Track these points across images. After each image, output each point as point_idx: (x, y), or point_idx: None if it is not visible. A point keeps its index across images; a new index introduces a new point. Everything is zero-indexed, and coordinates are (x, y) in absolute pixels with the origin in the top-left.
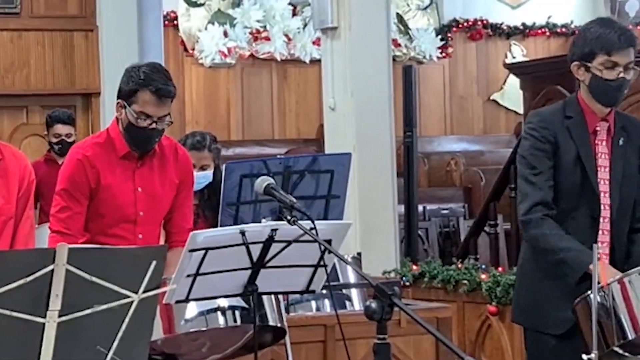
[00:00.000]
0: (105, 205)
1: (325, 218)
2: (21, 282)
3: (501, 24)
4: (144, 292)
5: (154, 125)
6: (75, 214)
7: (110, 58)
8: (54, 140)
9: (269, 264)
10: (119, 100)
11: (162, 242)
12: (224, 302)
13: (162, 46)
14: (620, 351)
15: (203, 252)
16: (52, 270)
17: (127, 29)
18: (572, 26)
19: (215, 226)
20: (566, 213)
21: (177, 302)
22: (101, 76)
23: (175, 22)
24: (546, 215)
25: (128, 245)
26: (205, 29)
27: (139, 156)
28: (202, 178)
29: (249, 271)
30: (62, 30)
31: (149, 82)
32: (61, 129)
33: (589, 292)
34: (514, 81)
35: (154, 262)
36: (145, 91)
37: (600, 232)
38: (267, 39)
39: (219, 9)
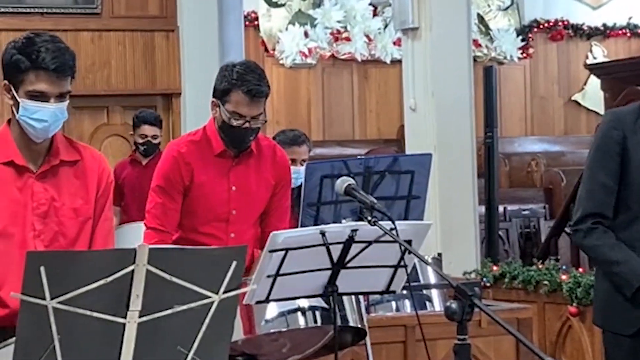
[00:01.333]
0: (198, 203)
1: (405, 218)
2: (102, 282)
3: (582, 25)
4: (225, 292)
5: (247, 125)
6: (170, 211)
7: (191, 58)
8: (140, 140)
9: (349, 265)
10: (214, 99)
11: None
12: (304, 303)
13: (242, 46)
14: None
15: (283, 252)
16: (133, 271)
17: (207, 29)
18: None
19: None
20: (637, 215)
21: (258, 302)
22: (182, 76)
23: (256, 22)
24: (597, 223)
25: (220, 244)
26: (286, 29)
27: (235, 155)
28: (302, 173)
29: (329, 272)
30: (142, 31)
31: (242, 82)
32: (148, 130)
33: None
34: (595, 82)
35: (235, 263)
36: (238, 91)
37: None
38: (348, 39)
39: (299, 10)
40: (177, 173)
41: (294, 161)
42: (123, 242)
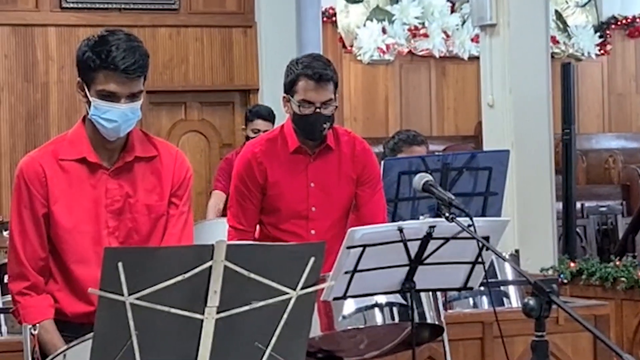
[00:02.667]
0: (277, 201)
1: (483, 215)
2: (179, 278)
3: None
4: (302, 288)
5: (318, 111)
6: (247, 210)
7: (269, 54)
8: (252, 135)
9: (426, 261)
10: (284, 95)
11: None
12: (382, 299)
13: (320, 42)
14: None
15: (361, 248)
16: (211, 267)
17: (285, 25)
18: None
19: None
20: None
21: (335, 299)
22: (260, 72)
23: (334, 18)
24: None
25: (300, 241)
26: (364, 25)
27: (312, 151)
28: None
29: (407, 268)
30: (220, 27)
31: (307, 68)
32: (261, 124)
33: None
34: None
35: (313, 259)
36: (304, 78)
37: None
38: (426, 35)
39: (377, 6)
40: (250, 173)
41: None
42: (203, 238)
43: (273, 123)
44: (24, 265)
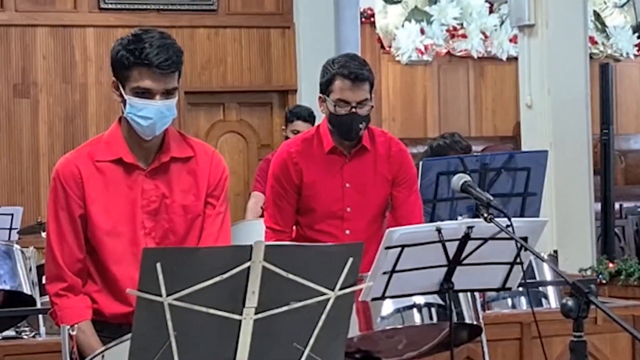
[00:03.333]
0: (312, 201)
1: (521, 215)
2: (218, 279)
3: None
4: (341, 289)
5: (353, 111)
6: (283, 210)
7: (307, 55)
8: (291, 136)
9: (465, 262)
10: (320, 95)
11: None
12: (420, 300)
13: (358, 43)
14: None
15: (399, 249)
16: (249, 267)
17: (323, 26)
18: None
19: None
20: None
21: (374, 299)
22: (298, 73)
23: (372, 19)
24: None
25: (335, 242)
26: (402, 26)
27: (347, 151)
28: None
29: (445, 268)
30: (258, 27)
31: (342, 68)
32: (300, 125)
33: None
34: None
35: (351, 259)
36: (339, 77)
37: None
38: (464, 36)
39: (416, 6)
40: (286, 173)
41: None
42: (241, 238)
43: (313, 124)
44: (61, 266)
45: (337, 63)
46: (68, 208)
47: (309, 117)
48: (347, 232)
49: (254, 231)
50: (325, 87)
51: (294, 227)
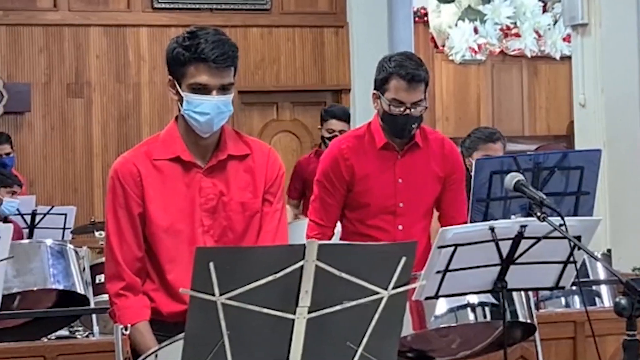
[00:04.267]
0: (364, 197)
1: (575, 214)
2: (270, 278)
3: None
4: (394, 288)
5: (408, 111)
6: (329, 206)
7: (361, 54)
8: (327, 135)
9: (518, 261)
10: (374, 92)
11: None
12: (473, 299)
13: (412, 42)
14: None
15: (452, 248)
16: (302, 267)
17: (377, 25)
18: None
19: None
20: None
21: (427, 298)
22: (351, 72)
23: (425, 18)
24: None
25: (387, 237)
26: (456, 25)
27: (400, 147)
28: None
29: (499, 267)
30: (312, 27)
31: (399, 68)
32: (335, 124)
33: None
34: None
35: (404, 258)
36: (396, 77)
37: None
38: (517, 35)
39: (469, 6)
40: (336, 169)
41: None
42: (295, 237)
43: (348, 123)
44: (121, 265)
45: (394, 62)
46: (127, 207)
47: (344, 115)
48: (400, 227)
49: (298, 231)
50: (381, 85)
51: (344, 223)
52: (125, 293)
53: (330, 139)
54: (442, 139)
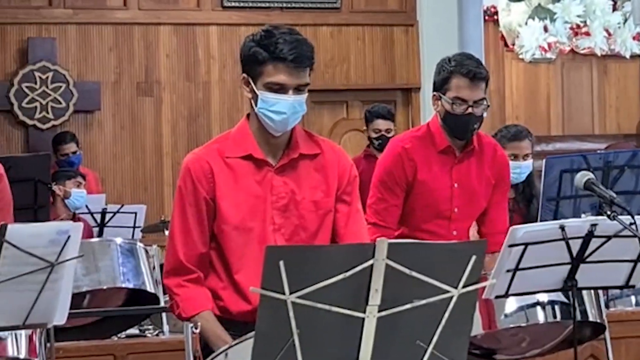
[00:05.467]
0: (421, 200)
1: None
2: (341, 277)
3: None
4: (464, 287)
5: (470, 110)
6: (391, 207)
7: (430, 53)
8: (374, 135)
9: (588, 259)
10: (434, 93)
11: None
12: (543, 297)
13: (482, 41)
14: None
15: (522, 247)
16: (372, 265)
17: (447, 24)
18: None
19: (530, 218)
20: None
21: (497, 297)
22: (421, 71)
23: (495, 17)
24: None
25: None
26: (526, 24)
27: (459, 151)
28: (525, 168)
29: (569, 266)
30: (382, 25)
31: (460, 66)
32: (381, 124)
33: None
34: None
35: (474, 257)
36: (457, 76)
37: None
38: (587, 34)
39: (539, 4)
40: (400, 169)
41: (515, 156)
42: None
43: (393, 122)
44: (182, 261)
45: (454, 61)
46: (196, 203)
47: (388, 114)
48: (454, 232)
49: None
50: (441, 85)
51: (400, 228)
52: (186, 284)
53: (377, 138)
54: (495, 144)
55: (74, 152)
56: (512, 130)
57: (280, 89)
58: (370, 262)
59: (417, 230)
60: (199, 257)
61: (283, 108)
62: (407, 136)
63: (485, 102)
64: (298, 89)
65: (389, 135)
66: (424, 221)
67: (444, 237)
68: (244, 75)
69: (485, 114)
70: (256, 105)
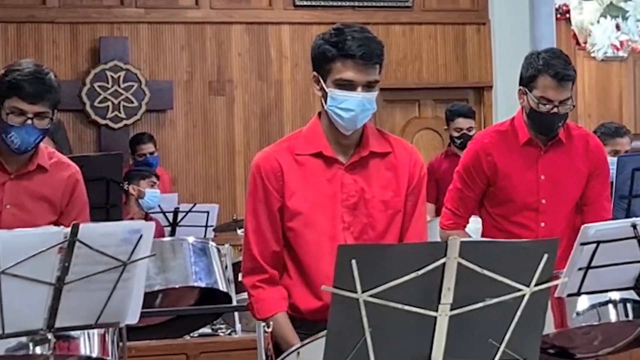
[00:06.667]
0: (507, 193)
1: None
2: (413, 275)
3: None
4: (536, 285)
5: (555, 110)
6: (466, 198)
7: (502, 52)
8: (455, 134)
9: None
10: (520, 88)
11: None
12: (615, 296)
13: (554, 39)
14: None
15: (594, 245)
16: (444, 264)
17: (518, 22)
18: None
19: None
20: None
21: (569, 295)
22: (493, 70)
23: (567, 15)
24: None
25: (530, 234)
26: (598, 22)
27: (543, 143)
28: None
29: None
30: (453, 24)
31: (548, 66)
32: (462, 122)
33: None
34: None
35: (546, 255)
36: (545, 76)
37: None
38: None
39: (611, 2)
40: (477, 164)
41: (616, 152)
42: (434, 236)
43: (474, 119)
44: (257, 259)
45: (543, 59)
46: (267, 201)
47: (469, 112)
48: (542, 224)
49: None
50: (528, 82)
51: (487, 218)
52: (261, 285)
53: (459, 137)
54: (587, 134)
55: (152, 153)
56: (612, 127)
57: (348, 85)
58: (443, 260)
59: (506, 222)
60: (272, 255)
61: (352, 105)
62: (489, 131)
63: (570, 102)
64: (367, 86)
65: (471, 133)
66: (512, 213)
67: (532, 229)
68: (314, 73)
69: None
70: (326, 103)
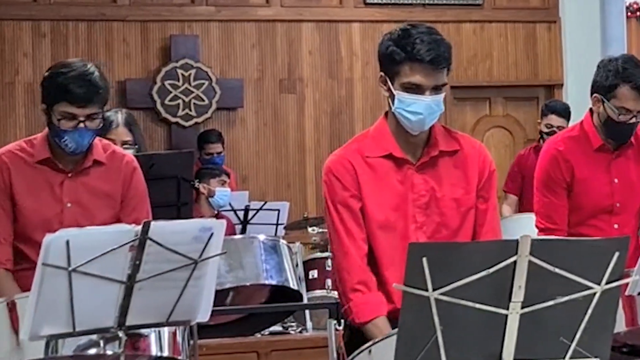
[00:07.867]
0: (582, 198)
1: None
2: (484, 273)
3: None
4: (607, 283)
5: (633, 120)
6: (558, 207)
7: (573, 50)
8: (545, 130)
9: None
10: (596, 95)
11: None
12: None
13: (624, 38)
14: None
15: None
16: (515, 262)
17: (589, 20)
18: None
19: None
20: None
21: None
22: (564, 68)
23: (638, 13)
24: None
25: (603, 236)
26: None
27: (613, 147)
28: None
29: None
30: (524, 22)
31: (628, 77)
32: (554, 120)
33: None
34: None
35: (617, 253)
36: (625, 86)
37: None
38: None
39: None
40: (557, 171)
41: None
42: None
43: (567, 119)
44: (353, 259)
45: (622, 68)
46: (347, 203)
47: (564, 112)
48: (616, 226)
49: (527, 225)
50: (606, 91)
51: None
52: (360, 288)
53: (548, 134)
54: None
55: (219, 153)
56: None
57: (416, 89)
58: (514, 258)
59: (582, 226)
60: (365, 257)
61: (419, 109)
62: (561, 137)
63: None
64: (435, 89)
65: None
66: (588, 217)
67: (606, 231)
68: (382, 73)
69: None
70: (393, 105)
